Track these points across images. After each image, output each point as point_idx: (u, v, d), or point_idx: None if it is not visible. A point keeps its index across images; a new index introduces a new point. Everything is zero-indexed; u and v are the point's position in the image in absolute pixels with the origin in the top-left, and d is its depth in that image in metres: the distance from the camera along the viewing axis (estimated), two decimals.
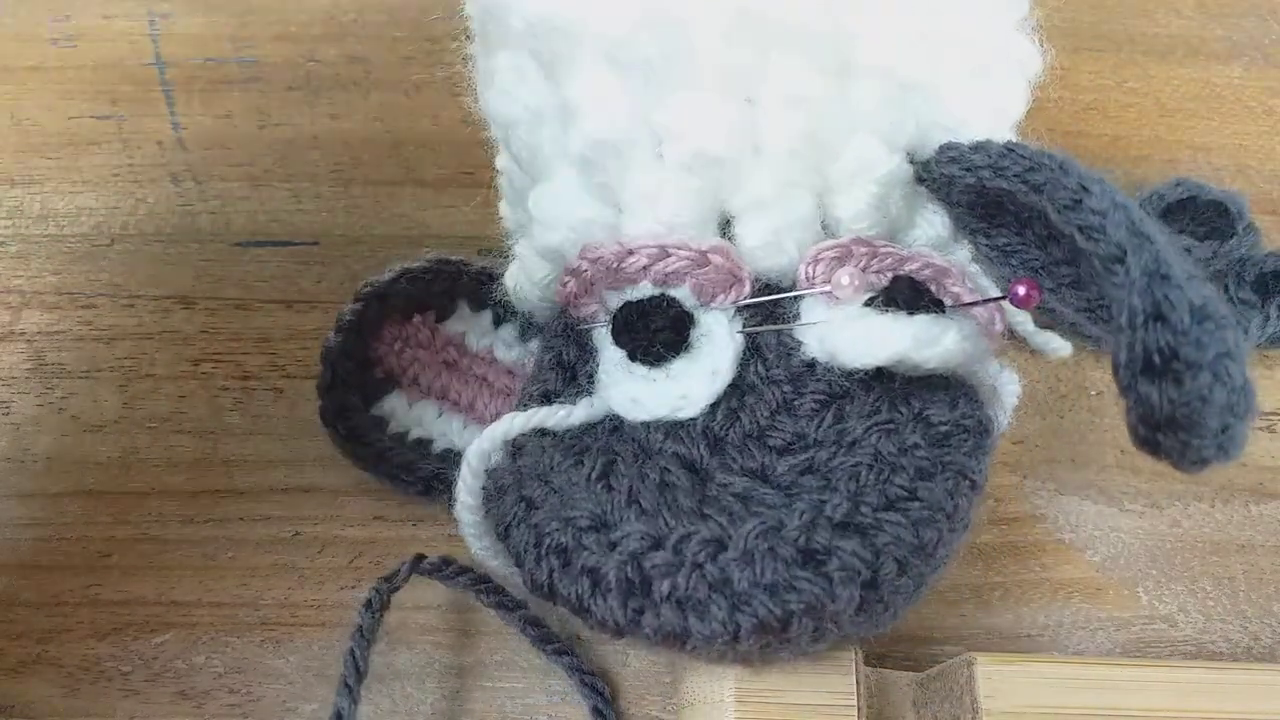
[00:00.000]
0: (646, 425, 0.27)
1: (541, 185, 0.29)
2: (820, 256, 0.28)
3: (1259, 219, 0.40)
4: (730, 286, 0.28)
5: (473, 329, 0.36)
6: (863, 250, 0.28)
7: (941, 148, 0.28)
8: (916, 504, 0.24)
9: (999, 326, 0.29)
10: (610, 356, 0.29)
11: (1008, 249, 0.28)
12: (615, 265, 0.28)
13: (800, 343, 0.28)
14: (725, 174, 0.28)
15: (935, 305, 0.27)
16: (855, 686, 0.27)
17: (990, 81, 0.30)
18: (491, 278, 0.34)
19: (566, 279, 0.29)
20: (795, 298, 0.28)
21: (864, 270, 0.28)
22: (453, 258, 0.35)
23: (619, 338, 0.28)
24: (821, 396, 0.27)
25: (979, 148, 0.27)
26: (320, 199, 0.42)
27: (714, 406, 0.27)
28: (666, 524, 0.24)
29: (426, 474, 0.33)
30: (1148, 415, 0.20)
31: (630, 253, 0.28)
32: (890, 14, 0.28)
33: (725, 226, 0.28)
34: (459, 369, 0.35)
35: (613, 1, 0.27)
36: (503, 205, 0.34)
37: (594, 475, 0.26)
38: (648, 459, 0.26)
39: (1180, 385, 0.20)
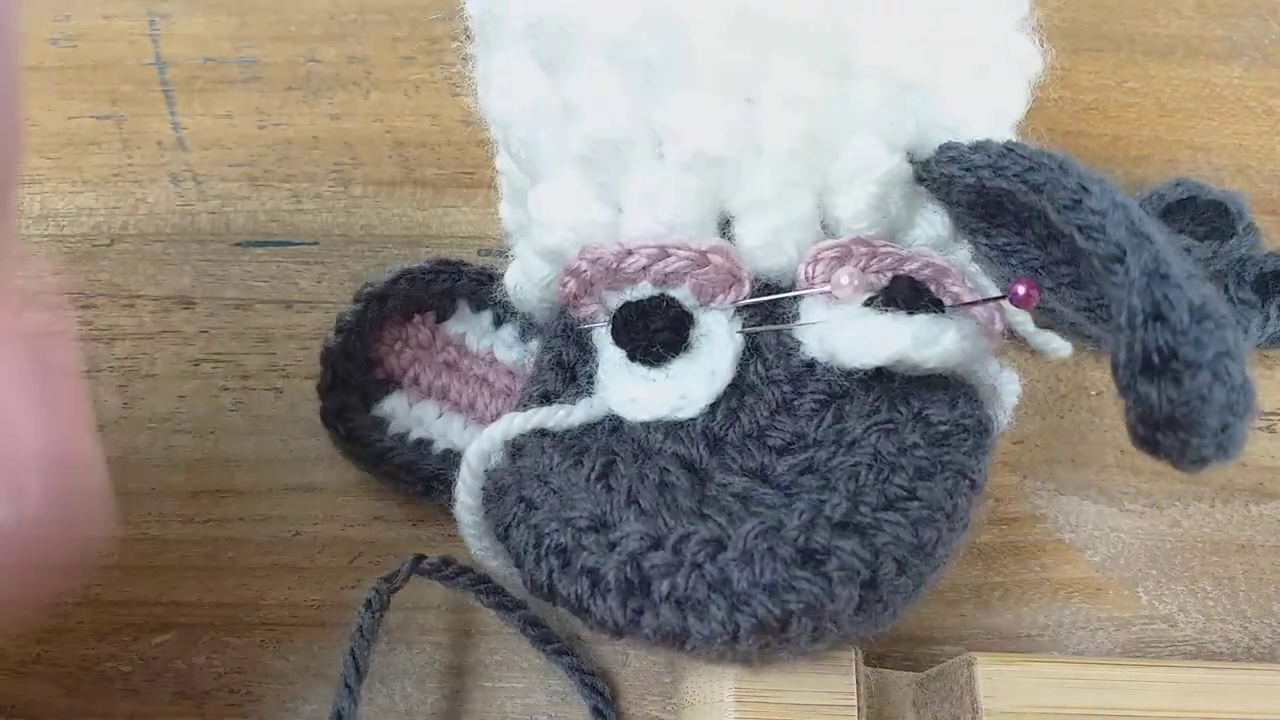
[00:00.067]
0: (646, 425, 0.27)
1: (541, 185, 0.29)
2: (820, 256, 0.28)
3: (1259, 219, 0.40)
4: (730, 286, 0.28)
5: (473, 329, 0.36)
6: (862, 250, 0.28)
7: (941, 147, 0.28)
8: (916, 504, 0.24)
9: (999, 326, 0.29)
10: (610, 357, 0.29)
11: (1007, 248, 0.28)
12: (615, 265, 0.28)
13: (800, 342, 0.28)
14: (725, 174, 0.28)
15: (935, 305, 0.27)
16: (855, 686, 0.27)
17: (990, 81, 0.30)
18: (491, 278, 0.34)
19: (566, 279, 0.29)
20: (795, 298, 0.28)
21: (863, 270, 0.28)
22: (452, 258, 0.35)
23: (618, 338, 0.28)
24: (821, 396, 0.27)
25: (979, 147, 0.27)
26: (320, 199, 0.42)
27: (713, 406, 0.27)
28: (666, 524, 0.24)
29: (427, 474, 0.33)
30: (1147, 415, 0.20)
31: (630, 253, 0.28)
32: (890, 14, 0.28)
33: (725, 226, 0.28)
34: (459, 369, 0.35)
35: (613, 1, 0.27)
36: (502, 206, 0.34)
37: (593, 475, 0.26)
38: (647, 459, 0.26)
39: (1179, 384, 0.20)
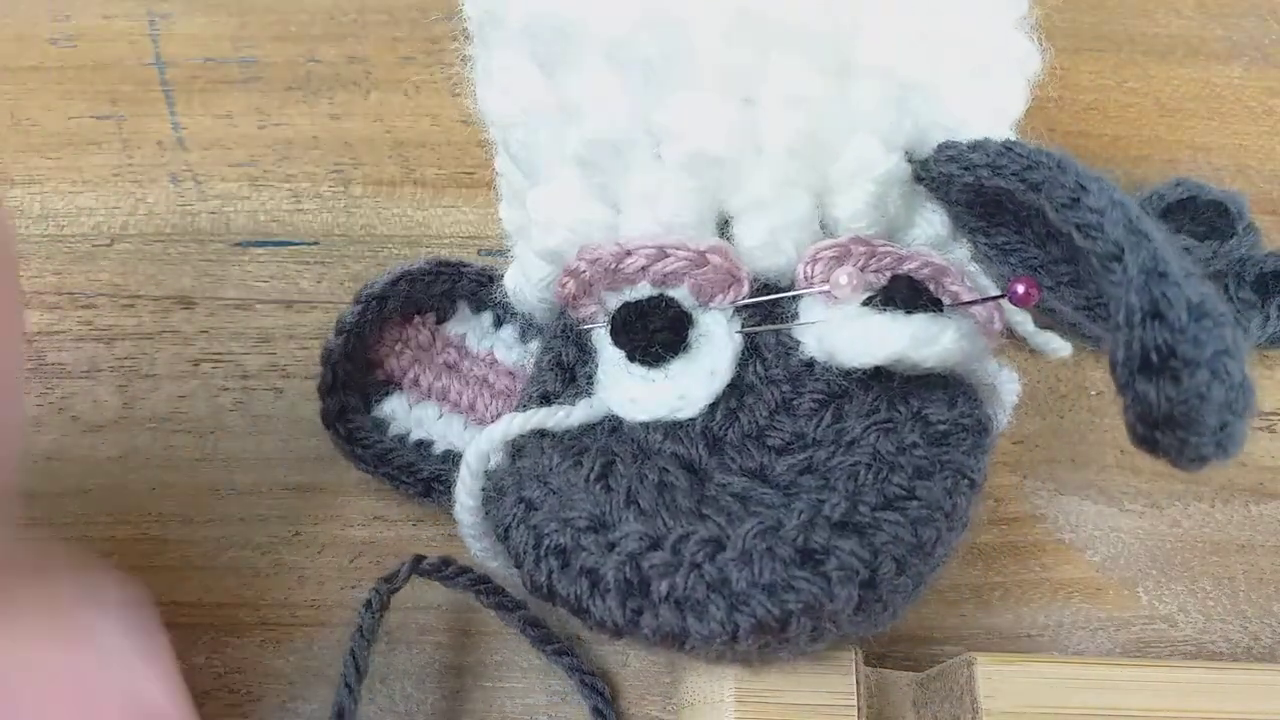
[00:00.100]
0: (645, 426, 0.27)
1: (540, 186, 0.29)
2: (819, 256, 0.28)
3: (1259, 219, 0.40)
4: (729, 286, 0.28)
5: (473, 330, 0.36)
6: (861, 249, 0.28)
7: (940, 146, 0.28)
8: (915, 503, 0.24)
9: (998, 325, 0.29)
10: (609, 357, 0.29)
11: (1006, 247, 0.28)
12: (614, 266, 0.28)
13: (799, 342, 0.28)
14: (724, 174, 0.28)
15: (934, 304, 0.27)
16: (855, 686, 0.27)
17: (989, 81, 0.30)
18: (491, 279, 0.34)
19: (565, 280, 0.29)
20: (794, 297, 0.28)
21: (862, 269, 0.28)
22: (452, 259, 0.35)
23: (617, 338, 0.28)
24: (820, 396, 0.27)
25: (977, 146, 0.27)
26: (320, 199, 0.42)
27: (713, 407, 0.27)
28: (665, 524, 0.24)
29: (427, 475, 0.33)
30: (1146, 413, 0.20)
31: (628, 253, 0.28)
32: (889, 13, 0.28)
33: (724, 227, 0.28)
34: (460, 370, 0.35)
35: (611, 2, 0.27)
36: (502, 207, 0.34)
37: (593, 476, 0.26)
38: (646, 459, 0.26)
39: (1178, 383, 0.20)
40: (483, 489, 0.28)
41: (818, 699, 0.27)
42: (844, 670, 0.27)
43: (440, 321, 0.35)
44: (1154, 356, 0.20)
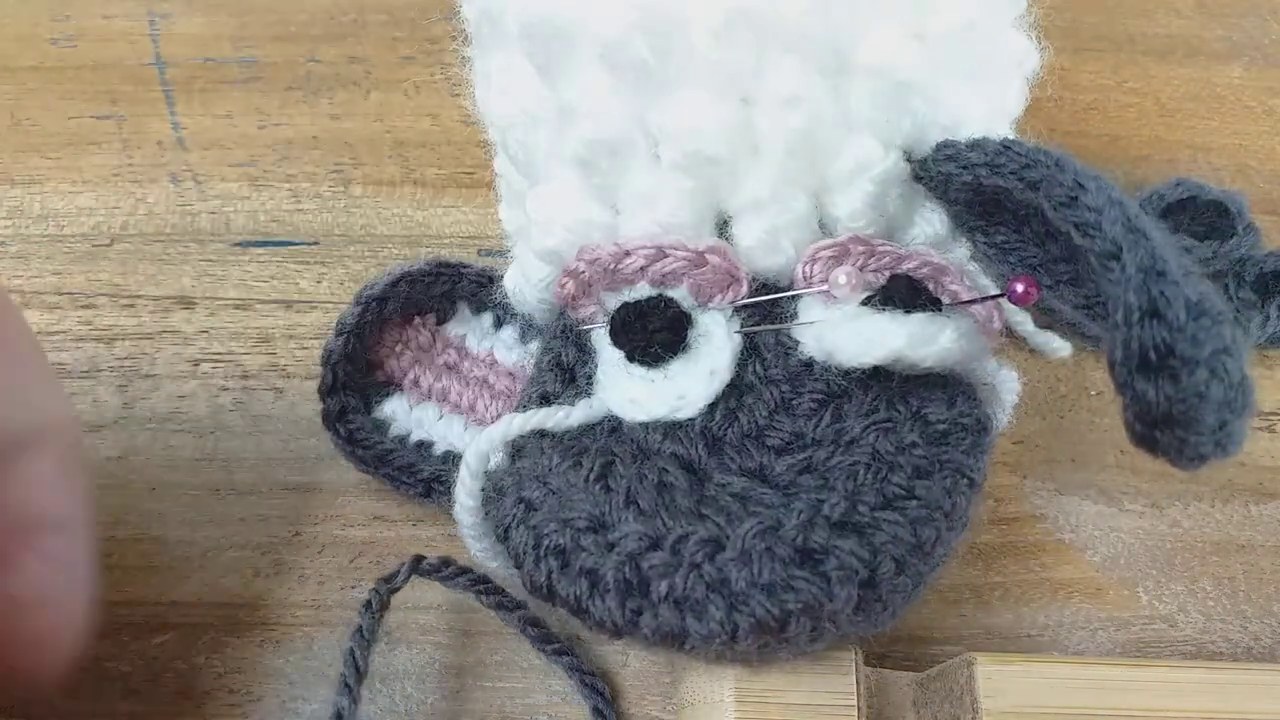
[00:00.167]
0: (645, 426, 0.27)
1: (539, 187, 0.29)
2: (818, 255, 0.28)
3: (1259, 219, 0.40)
4: (728, 286, 0.28)
5: (473, 331, 0.36)
6: (860, 249, 0.28)
7: (938, 146, 0.28)
8: (914, 503, 0.24)
9: (997, 324, 0.29)
10: (608, 357, 0.29)
11: (1006, 246, 0.28)
12: (613, 266, 0.28)
13: (798, 342, 0.28)
14: (722, 174, 0.28)
15: (932, 303, 0.27)
16: (855, 686, 0.27)
17: (988, 80, 0.30)
18: (491, 280, 0.34)
19: (564, 280, 0.29)
20: (793, 297, 0.28)
21: (861, 269, 0.28)
22: (452, 259, 0.35)
23: (617, 339, 0.28)
24: (819, 396, 0.27)
25: (976, 145, 0.27)
26: (320, 199, 0.42)
27: (712, 407, 0.27)
28: (664, 524, 0.24)
29: (427, 476, 0.33)
30: (1144, 412, 0.20)
31: (627, 254, 0.28)
32: (887, 13, 0.28)
33: (723, 227, 0.28)
34: (460, 372, 0.35)
35: (608, 3, 0.27)
36: (501, 208, 0.34)
37: (592, 476, 0.26)
38: (646, 460, 0.26)
39: (1177, 382, 0.20)
40: (482, 489, 0.28)
41: (818, 699, 0.27)
42: (844, 670, 0.27)
43: (440, 322, 0.35)
44: (1153, 355, 0.20)
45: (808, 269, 0.28)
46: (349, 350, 0.33)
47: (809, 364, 0.27)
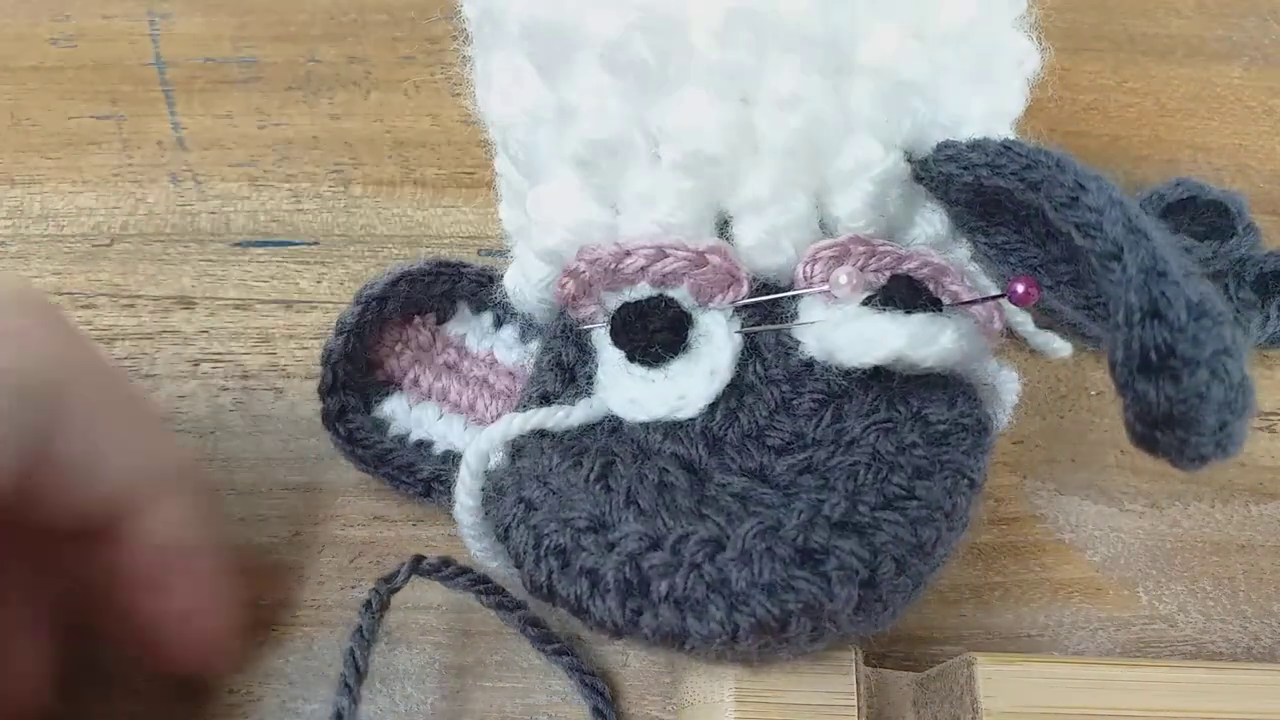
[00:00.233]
0: (645, 426, 0.27)
1: (539, 187, 0.29)
2: (818, 256, 0.28)
3: (1259, 219, 0.40)
4: (728, 286, 0.28)
5: (473, 331, 0.36)
6: (860, 249, 0.28)
7: (939, 146, 0.28)
8: (914, 503, 0.24)
9: (997, 325, 0.29)
10: (609, 357, 0.29)
11: (1006, 246, 0.28)
12: (613, 266, 0.28)
13: (798, 342, 0.28)
14: (722, 174, 0.28)
15: (933, 304, 0.27)
16: (855, 686, 0.27)
17: (988, 80, 0.30)
18: (491, 279, 0.34)
19: (564, 280, 0.29)
20: (793, 297, 0.28)
21: (862, 269, 0.28)
22: (452, 259, 0.35)
23: (617, 338, 0.28)
24: (820, 396, 0.27)
25: (976, 146, 0.27)
26: (320, 199, 0.42)
27: (712, 407, 0.27)
28: (664, 524, 0.24)
29: (427, 476, 0.33)
30: (1145, 413, 0.20)
31: (628, 254, 0.28)
32: (887, 13, 0.28)
33: (723, 227, 0.28)
34: (460, 371, 0.35)
35: (608, 3, 0.27)
36: (502, 208, 0.34)
37: (592, 476, 0.26)
38: (646, 459, 0.26)
39: (1177, 382, 0.20)
40: (482, 489, 0.28)
41: (818, 699, 0.27)
42: (844, 670, 0.27)
43: (440, 322, 0.35)
44: (1153, 355, 0.20)
45: (808, 269, 0.28)
46: (349, 350, 0.33)
47: (809, 364, 0.27)
